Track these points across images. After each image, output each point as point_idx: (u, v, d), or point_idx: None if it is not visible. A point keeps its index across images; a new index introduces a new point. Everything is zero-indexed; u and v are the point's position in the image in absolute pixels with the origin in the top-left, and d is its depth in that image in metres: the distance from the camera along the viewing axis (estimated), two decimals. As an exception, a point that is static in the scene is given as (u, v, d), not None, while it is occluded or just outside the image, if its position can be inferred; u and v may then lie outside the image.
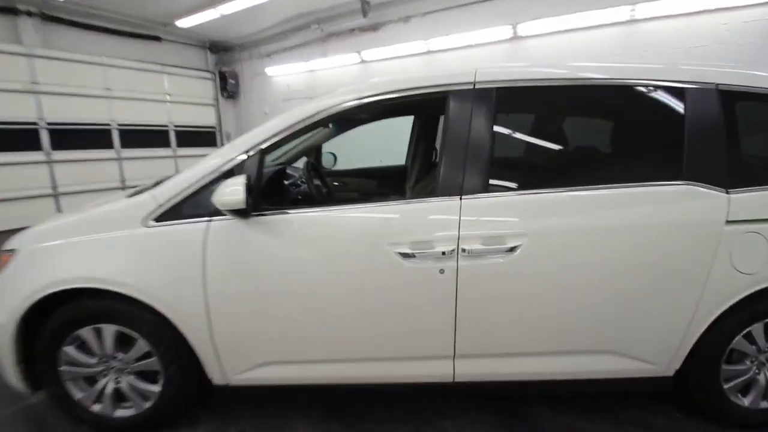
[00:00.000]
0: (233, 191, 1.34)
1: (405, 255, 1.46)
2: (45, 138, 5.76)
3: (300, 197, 1.98)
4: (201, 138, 7.77)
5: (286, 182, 2.17)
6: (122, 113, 6.56)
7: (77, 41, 6.18)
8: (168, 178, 1.64)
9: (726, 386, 1.61)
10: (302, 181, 2.05)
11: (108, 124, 6.45)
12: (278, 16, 6.31)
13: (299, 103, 1.63)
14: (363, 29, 6.06)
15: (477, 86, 1.53)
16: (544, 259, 1.45)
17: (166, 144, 7.25)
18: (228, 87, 7.94)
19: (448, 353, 1.56)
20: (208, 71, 7.95)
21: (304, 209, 1.54)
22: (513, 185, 1.50)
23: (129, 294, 1.50)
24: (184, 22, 6.18)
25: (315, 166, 2.45)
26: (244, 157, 1.53)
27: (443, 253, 1.45)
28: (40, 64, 5.64)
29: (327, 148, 3.42)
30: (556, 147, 1.59)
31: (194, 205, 1.52)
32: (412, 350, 1.57)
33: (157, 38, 7.01)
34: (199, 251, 1.49)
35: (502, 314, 1.51)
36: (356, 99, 1.56)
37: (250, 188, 1.43)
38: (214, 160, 1.55)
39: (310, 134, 2.51)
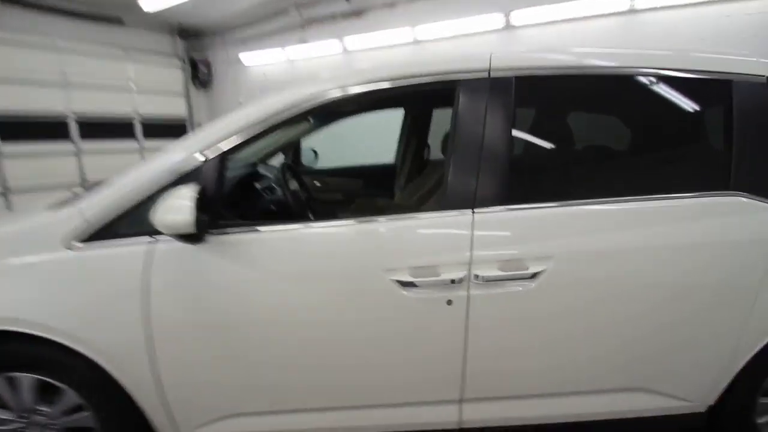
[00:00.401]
0: (178, 209, 1.01)
1: (404, 283, 1.17)
2: (-8, 130, 5.18)
3: (274, 207, 1.65)
4: (171, 130, 7.23)
5: (258, 186, 1.83)
6: (81, 102, 5.99)
7: (26, 22, 5.57)
8: (100, 184, 1.29)
9: (759, 420, 1.43)
10: (278, 185, 1.73)
11: (65, 115, 5.88)
12: (253, -1, 5.86)
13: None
14: (345, 15, 5.68)
15: (493, 74, 1.24)
16: (572, 287, 1.20)
17: (131, 136, 6.71)
18: (200, 75, 7.41)
19: (454, 397, 1.29)
20: (177, 58, 7.40)
21: (279, 226, 1.22)
22: (537, 196, 1.22)
23: (46, 336, 1.16)
24: (148, 4, 5.64)
25: (292, 168, 2.11)
26: (200, 159, 1.20)
27: (452, 281, 1.16)
28: (-16, 46, 5.04)
29: (307, 143, 3.07)
30: (589, 150, 1.32)
31: (133, 221, 1.19)
32: (411, 395, 1.30)
33: (119, 21, 6.42)
34: (140, 281, 1.16)
35: (521, 352, 1.25)
36: (340, 88, 1.25)
37: (206, 201, 1.11)
38: (159, 162, 1.21)
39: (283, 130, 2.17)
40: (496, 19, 4.62)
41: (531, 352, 1.24)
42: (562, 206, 1.20)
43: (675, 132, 1.30)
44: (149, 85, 6.87)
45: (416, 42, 5.24)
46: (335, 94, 1.24)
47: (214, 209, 1.18)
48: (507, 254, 1.19)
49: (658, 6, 3.89)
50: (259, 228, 1.22)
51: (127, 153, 6.59)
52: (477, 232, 1.18)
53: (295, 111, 1.24)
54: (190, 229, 1.02)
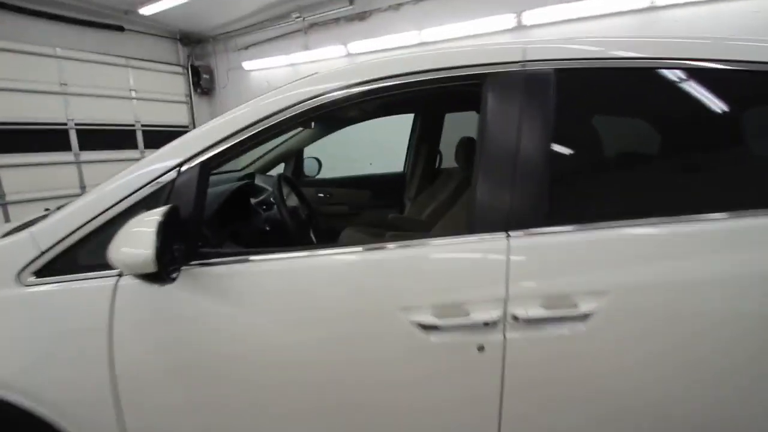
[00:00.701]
0: (136, 241, 0.80)
1: (426, 326, 0.95)
2: (-12, 140, 5.06)
3: (269, 227, 1.43)
4: (173, 138, 6.92)
5: (253, 201, 1.62)
6: (81, 111, 5.87)
7: (26, 30, 5.47)
8: (59, 208, 1.09)
9: None
10: (273, 202, 1.52)
11: (64, 124, 5.75)
12: (255, 4, 5.72)
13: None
14: (349, 18, 5.51)
15: (528, 67, 1.02)
16: (633, 329, 0.96)
17: (132, 145, 6.57)
18: (202, 82, 7.28)
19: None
20: (179, 65, 7.28)
21: (273, 255, 1.01)
22: (587, 214, 0.99)
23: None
24: (147, 9, 5.52)
25: (291, 180, 1.89)
26: (175, 173, 0.99)
27: (485, 323, 0.94)
28: (-20, 55, 4.93)
29: (309, 151, 2.87)
30: (650, 157, 1.08)
31: (96, 251, 0.97)
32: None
33: (119, 28, 6.31)
34: (104, 324, 0.95)
35: (569, 408, 1.01)
36: (343, 88, 1.04)
37: (181, 225, 0.90)
38: (128, 177, 1.01)
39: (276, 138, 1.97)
40: (506, 20, 4.41)
41: (580, 409, 1.01)
42: (619, 227, 0.97)
43: (754, 134, 1.06)
44: (151, 93, 6.74)
45: (423, 45, 5.05)
46: (339, 93, 1.03)
47: (193, 234, 0.97)
48: (551, 288, 0.96)
49: (680, 2, 3.65)
50: (250, 257, 1.00)
51: (128, 162, 6.42)
52: (514, 261, 0.96)
53: (291, 114, 1.04)
54: (150, 267, 0.80)
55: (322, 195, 2.67)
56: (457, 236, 1.00)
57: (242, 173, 2.23)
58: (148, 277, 0.81)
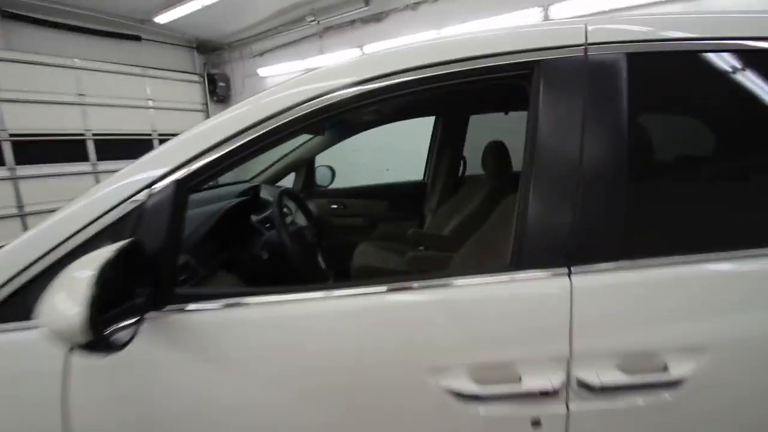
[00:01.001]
0: (64, 298, 0.58)
1: (463, 395, 0.72)
2: (8, 151, 5.09)
3: (268, 254, 1.20)
4: None
5: (255, 218, 1.42)
6: (98, 121, 5.88)
7: (44, 42, 5.52)
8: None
9: None
10: (274, 225, 1.28)
11: (82, 134, 5.77)
12: (269, 9, 5.62)
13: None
14: (364, 20, 5.35)
15: (591, 50, 0.78)
16: (742, 400, 0.71)
17: (149, 154, 6.55)
18: (218, 90, 7.25)
19: None
20: (195, 74, 7.27)
21: (269, 297, 0.79)
22: (678, 243, 0.74)
23: None
24: (162, 18, 5.48)
25: (295, 196, 1.66)
26: (142, 197, 0.79)
27: (542, 393, 0.70)
28: (1, 67, 4.96)
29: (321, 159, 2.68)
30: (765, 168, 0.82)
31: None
32: None
33: (136, 38, 6.33)
34: (57, 390, 0.75)
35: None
36: (356, 85, 0.82)
37: (146, 264, 0.70)
38: (81, 205, 0.81)
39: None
40: (532, 15, 4.14)
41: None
42: (724, 260, 0.72)
43: None
44: (168, 102, 6.74)
45: (442, 45, 4.83)
46: (351, 90, 0.81)
47: (167, 272, 0.77)
48: (631, 344, 0.72)
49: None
50: (242, 299, 0.79)
51: (144, 171, 6.43)
52: (579, 305, 0.72)
53: (292, 118, 0.82)
54: (77, 337, 0.58)
55: (335, 206, 2.46)
56: (501, 272, 0.77)
57: (250, 184, 2.04)
58: (87, 346, 0.60)
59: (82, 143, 5.76)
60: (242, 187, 1.86)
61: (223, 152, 0.82)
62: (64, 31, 5.68)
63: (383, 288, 0.77)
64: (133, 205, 0.78)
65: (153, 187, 0.79)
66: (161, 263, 0.76)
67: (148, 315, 0.74)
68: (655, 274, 0.73)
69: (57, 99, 5.48)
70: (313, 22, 5.67)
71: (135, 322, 0.69)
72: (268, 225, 1.38)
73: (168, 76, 6.76)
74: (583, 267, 0.73)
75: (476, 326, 0.74)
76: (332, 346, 0.76)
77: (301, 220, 1.50)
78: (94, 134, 5.86)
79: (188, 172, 0.80)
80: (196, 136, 0.84)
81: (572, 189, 0.75)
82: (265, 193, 1.74)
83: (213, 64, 7.41)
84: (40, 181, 5.38)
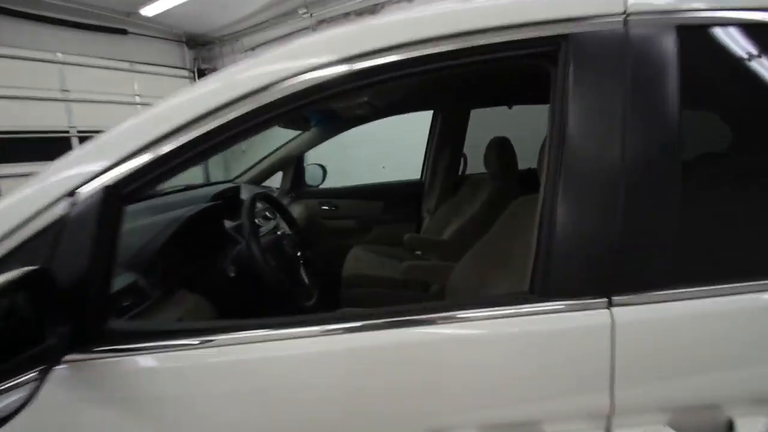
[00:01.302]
0: None
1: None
2: (-14, 149, 4.89)
3: (236, 269, 1.01)
4: None
5: (229, 225, 1.24)
6: (84, 118, 5.68)
7: (25, 35, 5.30)
8: None
9: None
10: (243, 238, 1.08)
11: (66, 131, 5.57)
12: (261, 0, 5.41)
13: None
14: (359, 12, 5.18)
15: (633, 21, 0.62)
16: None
17: (138, 152, 6.36)
18: (209, 86, 7.04)
19: None
20: (185, 69, 7.06)
21: (234, 335, 0.62)
22: (745, 269, 0.58)
23: None
24: (148, 10, 5.28)
25: (274, 201, 1.46)
26: (62, 207, 0.62)
27: (578, 463, 0.54)
28: (-22, 62, 4.76)
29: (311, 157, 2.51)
30: None
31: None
32: None
33: (122, 31, 6.10)
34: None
35: None
36: (342, 63, 0.65)
37: (61, 298, 0.54)
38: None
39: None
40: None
41: None
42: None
43: None
44: (156, 98, 6.51)
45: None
46: (334, 70, 0.64)
47: (95, 304, 0.60)
48: (686, 395, 0.56)
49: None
50: (199, 338, 0.62)
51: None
52: (622, 346, 0.56)
53: (257, 106, 0.65)
54: None
55: (326, 207, 2.30)
56: (520, 303, 0.60)
57: (231, 185, 1.87)
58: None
59: (67, 141, 5.56)
60: (221, 188, 1.69)
61: (175, 146, 0.64)
62: (46, 24, 5.45)
63: (363, 323, 0.61)
64: (52, 219, 0.61)
65: (76, 193, 0.62)
66: (86, 292, 0.59)
67: (67, 359, 0.57)
68: (719, 305, 0.57)
69: (40, 95, 5.28)
70: (306, 15, 5.50)
71: (39, 373, 0.52)
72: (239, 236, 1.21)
73: (157, 71, 6.56)
74: (627, 297, 0.57)
75: (489, 373, 0.58)
76: (309, 396, 0.60)
77: (284, 226, 1.33)
78: (79, 131, 5.66)
79: (124, 174, 0.63)
80: (141, 124, 0.67)
81: (612, 197, 0.58)
82: (246, 195, 1.57)
83: (203, 58, 7.20)
84: (22, 181, 5.16)
